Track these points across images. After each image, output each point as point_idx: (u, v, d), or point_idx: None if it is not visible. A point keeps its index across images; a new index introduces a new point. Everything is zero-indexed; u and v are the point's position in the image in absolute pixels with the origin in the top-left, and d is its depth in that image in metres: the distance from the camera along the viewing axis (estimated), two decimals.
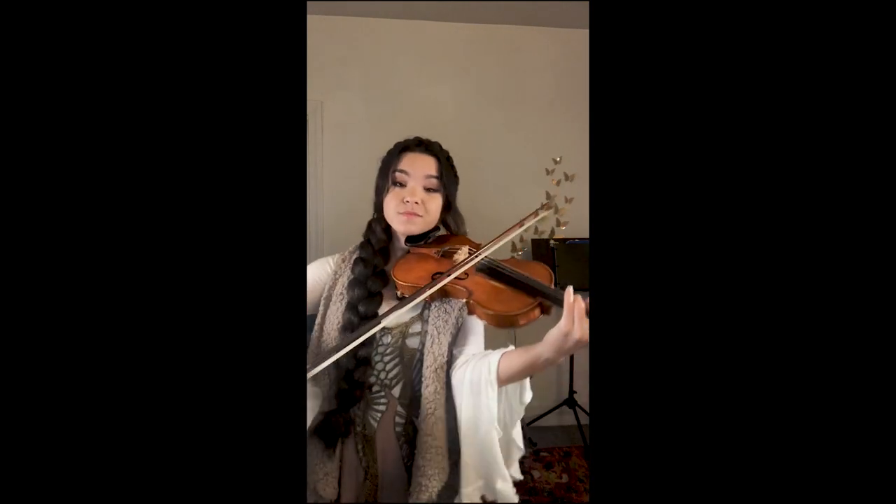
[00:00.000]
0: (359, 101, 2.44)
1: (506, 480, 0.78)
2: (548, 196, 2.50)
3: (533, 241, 2.39)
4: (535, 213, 0.88)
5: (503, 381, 0.75)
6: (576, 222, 2.53)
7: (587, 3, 0.56)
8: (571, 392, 2.43)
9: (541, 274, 0.77)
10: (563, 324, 0.65)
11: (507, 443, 0.80)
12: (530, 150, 2.49)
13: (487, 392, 0.75)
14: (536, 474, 2.11)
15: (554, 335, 0.66)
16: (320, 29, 2.34)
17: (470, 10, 2.35)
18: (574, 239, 2.33)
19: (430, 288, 0.75)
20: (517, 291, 0.75)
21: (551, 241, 2.31)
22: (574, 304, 0.64)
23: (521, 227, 0.85)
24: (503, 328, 0.77)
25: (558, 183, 2.51)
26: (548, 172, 2.51)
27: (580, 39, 2.52)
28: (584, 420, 2.37)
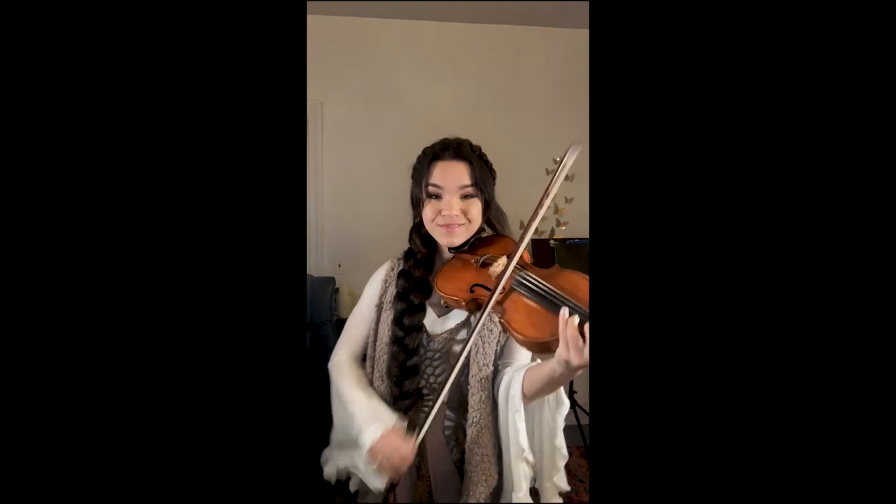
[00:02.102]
0: (359, 101, 2.44)
1: (545, 491, 0.81)
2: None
3: (533, 241, 2.38)
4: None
5: (529, 396, 0.75)
6: (576, 222, 2.53)
7: (587, 3, 0.56)
8: (571, 392, 2.43)
9: (582, 288, 0.69)
10: (560, 351, 0.62)
11: (551, 451, 0.81)
12: (530, 150, 2.49)
13: (512, 407, 0.76)
14: None
15: (558, 359, 0.64)
16: (320, 29, 2.34)
17: (470, 10, 2.34)
18: (574, 239, 2.33)
19: (481, 314, 0.72)
20: (551, 313, 0.66)
21: (551, 241, 2.31)
22: (567, 332, 0.60)
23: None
24: (537, 353, 0.73)
25: None
26: (548, 172, 2.51)
27: (580, 39, 2.52)
28: (584, 420, 2.37)
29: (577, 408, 2.40)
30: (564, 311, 0.62)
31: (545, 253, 2.28)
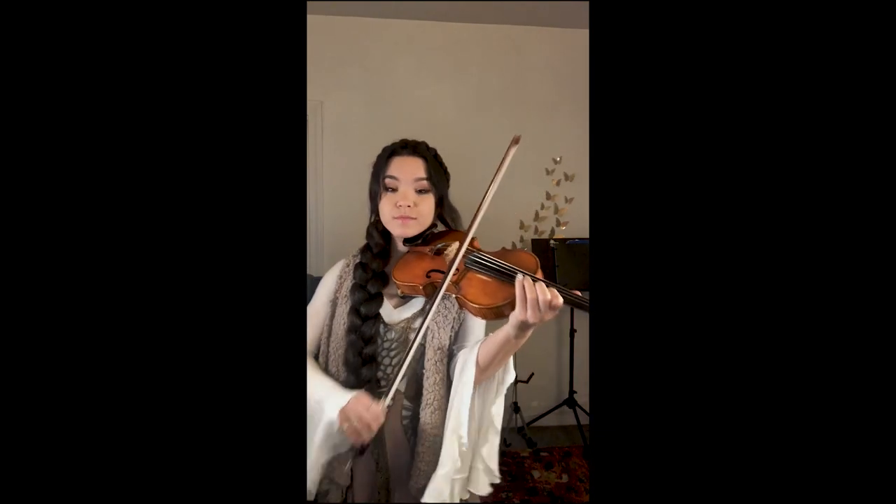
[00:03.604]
0: (359, 101, 2.44)
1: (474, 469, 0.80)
2: (548, 196, 2.50)
3: (533, 241, 2.39)
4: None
5: (484, 367, 0.78)
6: (576, 222, 2.54)
7: (587, 3, 0.56)
8: (571, 392, 2.43)
9: (527, 262, 0.78)
10: (517, 311, 0.68)
11: (488, 421, 0.81)
12: (530, 151, 2.49)
13: (465, 379, 0.78)
14: (536, 474, 2.10)
15: (512, 320, 0.70)
16: (320, 29, 2.34)
17: (470, 10, 2.35)
18: (574, 239, 2.33)
19: (436, 295, 0.77)
20: (503, 283, 0.76)
21: (551, 241, 2.31)
22: (522, 292, 0.67)
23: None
24: (492, 320, 0.78)
25: (558, 183, 2.51)
26: (548, 172, 2.51)
27: (580, 39, 2.52)
28: (584, 420, 2.38)
29: (577, 408, 2.40)
30: (520, 276, 0.69)
31: (545, 253, 2.29)
